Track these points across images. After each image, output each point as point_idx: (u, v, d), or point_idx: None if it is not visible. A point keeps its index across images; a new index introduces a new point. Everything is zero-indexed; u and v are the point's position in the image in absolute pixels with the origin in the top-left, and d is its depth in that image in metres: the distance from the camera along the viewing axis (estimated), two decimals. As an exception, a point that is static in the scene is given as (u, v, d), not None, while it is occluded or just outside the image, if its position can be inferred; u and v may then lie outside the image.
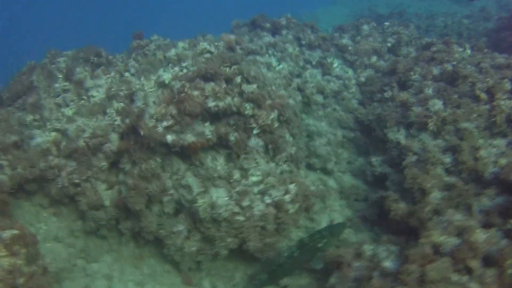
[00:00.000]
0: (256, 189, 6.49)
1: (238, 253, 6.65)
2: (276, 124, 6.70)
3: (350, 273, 5.95)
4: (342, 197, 7.83)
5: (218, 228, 6.30)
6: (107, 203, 6.68)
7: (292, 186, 6.48)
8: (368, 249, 6.16)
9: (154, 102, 6.65)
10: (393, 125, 7.65)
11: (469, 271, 4.89)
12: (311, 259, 6.16)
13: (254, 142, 6.57)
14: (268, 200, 6.38)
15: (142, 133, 6.34)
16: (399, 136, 7.48)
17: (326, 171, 8.09)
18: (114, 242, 6.94)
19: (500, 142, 6.60)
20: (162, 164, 6.58)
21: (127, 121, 6.61)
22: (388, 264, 5.50)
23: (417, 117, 7.25)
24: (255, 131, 6.54)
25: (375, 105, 8.47)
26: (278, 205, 6.38)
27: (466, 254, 4.91)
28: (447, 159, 6.53)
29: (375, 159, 7.77)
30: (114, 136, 6.73)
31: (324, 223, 7.33)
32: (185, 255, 6.55)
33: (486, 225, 5.41)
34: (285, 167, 6.89)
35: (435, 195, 6.24)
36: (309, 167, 8.05)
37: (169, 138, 6.33)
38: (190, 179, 6.48)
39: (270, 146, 6.69)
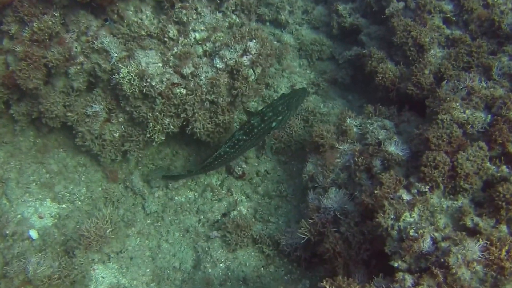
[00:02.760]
0: (200, 50, 5.07)
1: (178, 135, 5.40)
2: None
3: (334, 158, 5.09)
4: (301, 55, 6.71)
5: (151, 106, 4.90)
6: (-13, 79, 5.02)
7: (252, 44, 5.00)
8: (353, 124, 5.12)
9: None
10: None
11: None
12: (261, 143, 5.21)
13: (194, -18, 5.02)
14: (219, 64, 4.95)
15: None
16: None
17: (278, 23, 6.85)
18: (5, 132, 5.39)
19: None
20: (64, 21, 4.91)
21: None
22: (393, 149, 4.46)
23: None
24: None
25: None
26: (233, 71, 4.98)
27: (505, 135, 3.93)
28: (448, 6, 5.29)
29: (342, 7, 6.50)
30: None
31: (283, 89, 6.21)
32: (106, 144, 5.19)
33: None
34: (234, 18, 5.42)
35: (435, 53, 5.19)
36: (258, 18, 6.67)
37: None
38: (106, 40, 4.88)
39: (214, -11, 5.20)
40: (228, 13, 5.37)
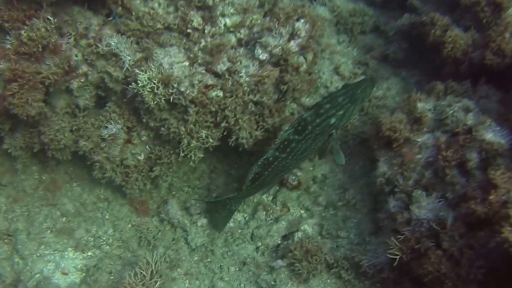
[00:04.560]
0: (234, 39, 4.08)
1: (216, 149, 4.41)
2: None
3: (414, 154, 4.24)
4: (340, 30, 5.75)
5: (182, 118, 3.97)
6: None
7: (300, 24, 4.01)
8: (425, 108, 4.33)
9: None
10: None
11: None
12: (323, 145, 4.08)
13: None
14: (262, 54, 3.97)
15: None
16: None
17: (308, -5, 5.89)
18: (2, 172, 4.53)
19: None
20: (57, 24, 3.92)
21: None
22: (492, 136, 3.65)
23: None
24: None
25: None
26: (280, 61, 4.03)
27: None
28: None
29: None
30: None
31: (326, 75, 5.19)
32: (131, 171, 4.27)
33: None
34: None
35: None
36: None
37: None
38: (114, 41, 3.90)
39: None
40: (259, -13, 4.40)
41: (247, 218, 4.66)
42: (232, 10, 4.12)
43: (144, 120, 4.11)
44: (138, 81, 3.80)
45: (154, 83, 3.79)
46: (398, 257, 3.73)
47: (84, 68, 4.06)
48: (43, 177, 4.66)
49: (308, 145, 3.96)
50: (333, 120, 3.85)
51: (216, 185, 4.80)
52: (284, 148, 3.91)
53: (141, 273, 3.93)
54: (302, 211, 4.64)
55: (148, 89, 3.80)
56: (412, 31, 5.28)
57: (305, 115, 3.88)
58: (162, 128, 4.05)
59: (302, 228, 4.45)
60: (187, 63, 3.99)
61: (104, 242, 4.50)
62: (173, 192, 4.78)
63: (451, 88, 4.43)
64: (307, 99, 4.92)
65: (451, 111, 4.02)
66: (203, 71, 3.96)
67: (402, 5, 5.66)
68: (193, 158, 4.16)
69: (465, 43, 4.50)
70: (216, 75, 4.01)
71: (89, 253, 4.43)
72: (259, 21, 4.12)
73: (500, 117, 3.97)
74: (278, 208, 4.65)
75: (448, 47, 4.54)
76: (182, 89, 3.85)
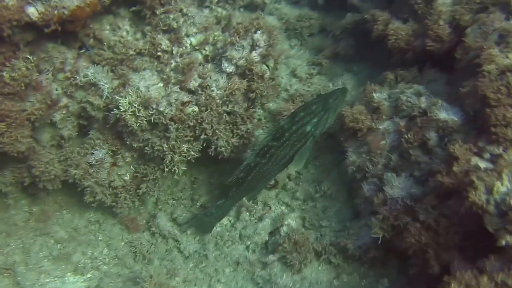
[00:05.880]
0: (200, 56, 4.49)
1: (195, 160, 4.69)
2: None
3: (379, 141, 4.70)
4: (291, 35, 6.27)
5: (163, 136, 4.29)
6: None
7: (259, 36, 4.44)
8: (381, 97, 4.73)
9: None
10: None
11: None
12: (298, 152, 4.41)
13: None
14: (229, 67, 4.39)
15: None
16: None
17: (254, 6, 6.27)
18: (-7, 210, 4.67)
19: None
20: (36, 62, 4.14)
21: None
22: (445, 115, 4.12)
23: None
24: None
25: None
26: (246, 71, 4.43)
27: None
28: None
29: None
30: None
31: (285, 79, 5.70)
32: (119, 192, 4.54)
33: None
34: (220, 11, 4.78)
35: (443, 1, 4.69)
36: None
37: (32, 11, 3.84)
38: (90, 72, 4.21)
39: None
40: (213, 6, 4.74)
41: (232, 221, 4.97)
42: (195, 30, 4.52)
43: (127, 142, 4.41)
44: (120, 107, 4.10)
45: (135, 107, 4.11)
46: (380, 235, 4.18)
47: (65, 100, 4.33)
48: (33, 209, 4.81)
49: (287, 152, 4.33)
50: (308, 128, 4.23)
51: (199, 194, 5.10)
52: (264, 154, 4.28)
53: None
54: (283, 207, 5.00)
55: (130, 113, 4.12)
56: (357, 28, 5.73)
57: (282, 123, 4.29)
58: (146, 148, 4.35)
59: (286, 222, 4.77)
60: (161, 84, 4.35)
61: (101, 262, 4.68)
62: (160, 206, 5.02)
63: (401, 76, 4.92)
64: (271, 104, 5.38)
65: (405, 97, 4.49)
66: (178, 90, 4.33)
67: (342, 6, 6.08)
68: (177, 171, 4.48)
69: (407, 34, 4.92)
70: (190, 91, 4.39)
71: (89, 275, 4.61)
72: (221, 37, 4.55)
73: (449, 96, 4.42)
74: (260, 207, 4.99)
75: (391, 38, 4.95)
76: (161, 109, 4.19)
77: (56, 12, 3.88)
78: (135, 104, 4.10)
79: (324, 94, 4.57)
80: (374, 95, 4.70)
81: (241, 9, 6.22)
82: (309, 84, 5.70)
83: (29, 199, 4.84)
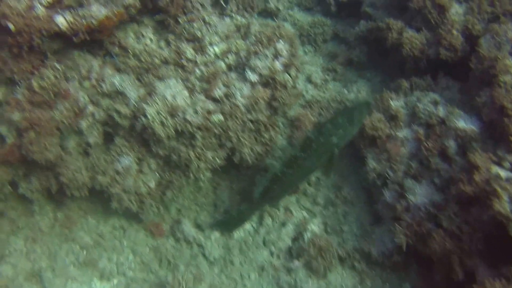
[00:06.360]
0: (223, 65, 4.52)
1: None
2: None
3: (398, 148, 4.73)
4: (304, 41, 6.31)
5: (190, 143, 4.35)
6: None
7: (281, 45, 4.50)
8: (398, 105, 4.87)
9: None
10: None
11: None
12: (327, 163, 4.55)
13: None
14: (252, 76, 4.44)
15: (11, 27, 3.76)
16: None
17: (268, 13, 6.36)
18: (17, 216, 4.74)
19: None
20: (63, 71, 4.20)
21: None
22: (464, 124, 4.29)
23: None
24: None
25: None
26: (269, 80, 4.48)
27: None
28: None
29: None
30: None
31: (301, 85, 5.71)
32: (145, 198, 4.59)
33: None
34: (239, 19, 4.86)
35: (456, 11, 4.85)
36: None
37: (61, 21, 3.93)
38: (117, 80, 4.31)
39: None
40: (233, 15, 4.84)
41: (255, 227, 5.04)
42: (217, 38, 4.59)
43: (153, 150, 4.44)
44: (147, 115, 4.15)
45: (163, 116, 4.19)
46: (404, 241, 4.27)
47: (91, 108, 4.36)
48: (58, 215, 4.87)
49: (313, 162, 4.42)
50: (335, 139, 4.31)
51: (221, 200, 5.15)
52: (291, 164, 4.37)
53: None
54: (304, 212, 5.07)
55: (158, 122, 4.18)
56: (370, 36, 5.80)
57: (309, 134, 4.38)
58: (173, 155, 4.40)
59: (309, 228, 4.88)
60: (186, 93, 4.39)
61: (127, 268, 4.75)
62: (183, 212, 5.08)
63: (415, 83, 5.02)
64: (290, 111, 5.44)
65: (422, 105, 4.61)
66: (203, 98, 4.38)
67: (354, 13, 6.20)
68: (202, 178, 4.56)
69: (420, 42, 5.01)
70: (215, 100, 4.43)
71: (115, 281, 4.68)
72: (243, 46, 4.58)
73: (464, 105, 4.56)
74: (281, 212, 5.07)
75: (406, 47, 5.04)
76: (188, 117, 4.25)
77: (84, 21, 3.95)
78: (163, 112, 4.16)
79: (349, 107, 4.70)
80: (392, 103, 4.79)
81: (255, 16, 6.33)
82: (325, 90, 5.73)
83: (53, 205, 4.89)
